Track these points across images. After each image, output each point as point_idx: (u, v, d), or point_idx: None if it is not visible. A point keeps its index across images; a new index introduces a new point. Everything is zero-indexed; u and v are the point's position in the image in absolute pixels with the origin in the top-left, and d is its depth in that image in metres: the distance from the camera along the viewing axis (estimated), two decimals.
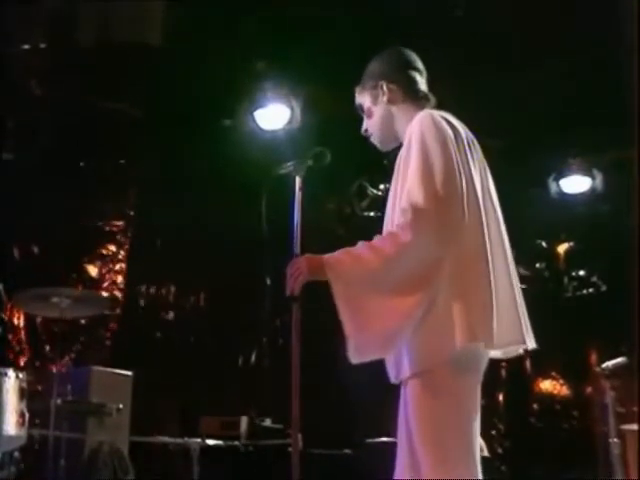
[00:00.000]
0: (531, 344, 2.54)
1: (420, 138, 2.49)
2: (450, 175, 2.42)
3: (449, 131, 2.52)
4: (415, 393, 2.42)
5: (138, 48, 6.13)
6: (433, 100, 2.77)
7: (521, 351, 2.60)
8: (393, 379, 2.57)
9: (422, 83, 2.80)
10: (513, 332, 2.48)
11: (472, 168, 2.52)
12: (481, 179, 2.57)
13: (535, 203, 8.20)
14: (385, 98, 2.74)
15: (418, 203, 2.38)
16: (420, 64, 2.82)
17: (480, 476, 2.36)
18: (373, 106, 2.78)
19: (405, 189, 2.48)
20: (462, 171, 2.46)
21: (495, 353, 2.58)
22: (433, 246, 2.38)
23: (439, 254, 2.38)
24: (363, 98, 2.82)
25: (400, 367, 2.50)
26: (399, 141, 2.70)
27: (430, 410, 2.38)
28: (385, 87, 2.74)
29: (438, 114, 2.59)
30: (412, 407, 2.42)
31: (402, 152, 2.61)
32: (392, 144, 2.78)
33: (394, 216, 2.55)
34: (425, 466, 2.34)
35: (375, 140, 2.84)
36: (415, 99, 2.74)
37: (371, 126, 2.82)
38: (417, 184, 2.42)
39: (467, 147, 2.55)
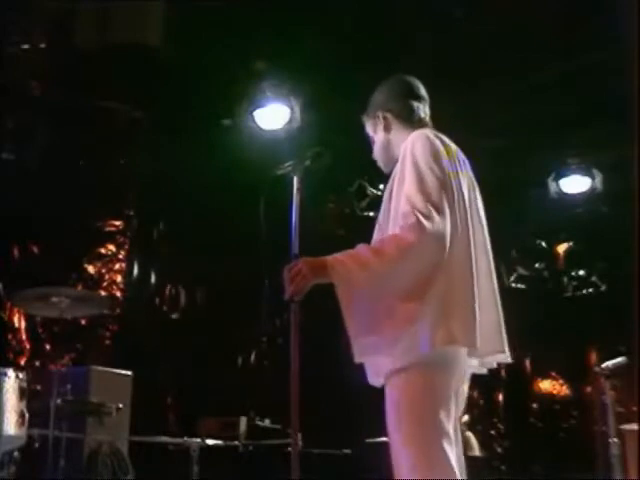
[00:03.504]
0: (506, 358, 2.66)
1: (413, 152, 2.60)
2: (443, 186, 2.53)
3: (440, 146, 2.63)
4: (390, 391, 2.54)
5: (138, 48, 6.12)
6: (429, 124, 2.87)
7: (495, 365, 2.72)
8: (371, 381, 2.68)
9: (420, 109, 2.89)
10: (494, 341, 2.58)
11: (462, 184, 2.64)
12: (469, 196, 2.66)
13: (535, 203, 8.20)
14: (381, 127, 2.88)
15: (419, 208, 2.47)
16: (422, 91, 2.92)
17: (457, 474, 2.43)
18: (374, 134, 2.93)
19: (402, 199, 2.56)
20: (453, 185, 2.57)
21: (472, 366, 2.67)
22: (435, 248, 2.46)
23: (440, 257, 2.46)
24: (368, 127, 2.97)
25: (376, 368, 2.62)
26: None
27: (401, 406, 2.49)
28: (381, 116, 2.88)
29: (431, 132, 2.71)
30: (388, 403, 2.54)
31: (395, 169, 2.72)
32: (394, 166, 2.84)
33: (387, 232, 2.64)
34: (397, 462, 2.45)
35: (380, 165, 2.96)
36: (409, 125, 2.84)
37: (375, 152, 2.96)
38: (415, 191, 2.52)
39: (458, 165, 2.67)
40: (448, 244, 2.46)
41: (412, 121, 2.85)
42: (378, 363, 2.59)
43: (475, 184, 2.76)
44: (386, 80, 2.96)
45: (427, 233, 2.43)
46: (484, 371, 2.74)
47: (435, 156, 2.59)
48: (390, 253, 2.46)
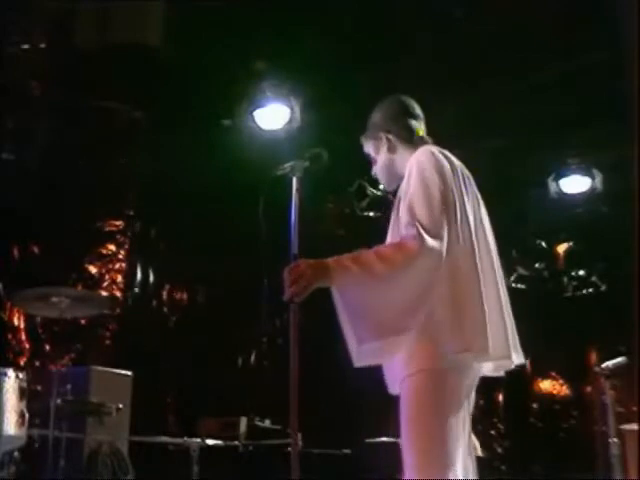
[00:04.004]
0: (519, 359, 2.68)
1: (419, 167, 2.67)
2: (446, 200, 2.60)
3: (445, 163, 2.70)
4: (403, 394, 2.57)
5: (138, 48, 6.12)
6: (430, 141, 2.92)
7: (513, 366, 2.73)
8: (391, 390, 2.71)
9: (419, 128, 2.95)
10: (501, 347, 2.60)
11: (466, 199, 2.70)
12: (474, 211, 2.73)
13: (535, 203, 8.21)
14: (385, 148, 2.93)
15: (419, 219, 2.54)
16: (417, 110, 2.99)
17: (460, 475, 2.46)
18: (376, 155, 2.98)
19: (406, 210, 2.61)
20: (457, 199, 2.64)
21: (486, 370, 2.70)
22: (432, 259, 2.50)
23: (435, 269, 2.51)
24: (368, 147, 3.01)
25: (391, 375, 2.67)
26: (402, 180, 2.84)
27: (410, 408, 2.53)
28: (384, 138, 2.93)
29: (436, 149, 2.77)
30: (401, 406, 2.57)
31: (402, 185, 2.77)
32: (397, 184, 2.92)
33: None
34: (405, 462, 2.49)
35: (382, 182, 3.03)
36: (411, 144, 2.90)
37: (377, 171, 3.01)
38: (418, 203, 2.59)
39: (462, 180, 2.73)
40: (444, 254, 2.51)
41: (413, 141, 2.90)
42: (392, 370, 2.64)
43: (480, 199, 2.82)
44: (382, 101, 3.01)
45: (425, 245, 2.48)
46: (501, 373, 2.77)
47: (439, 171, 2.66)
48: (393, 258, 2.51)
